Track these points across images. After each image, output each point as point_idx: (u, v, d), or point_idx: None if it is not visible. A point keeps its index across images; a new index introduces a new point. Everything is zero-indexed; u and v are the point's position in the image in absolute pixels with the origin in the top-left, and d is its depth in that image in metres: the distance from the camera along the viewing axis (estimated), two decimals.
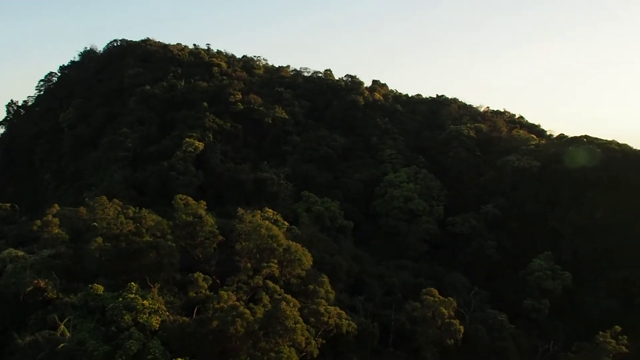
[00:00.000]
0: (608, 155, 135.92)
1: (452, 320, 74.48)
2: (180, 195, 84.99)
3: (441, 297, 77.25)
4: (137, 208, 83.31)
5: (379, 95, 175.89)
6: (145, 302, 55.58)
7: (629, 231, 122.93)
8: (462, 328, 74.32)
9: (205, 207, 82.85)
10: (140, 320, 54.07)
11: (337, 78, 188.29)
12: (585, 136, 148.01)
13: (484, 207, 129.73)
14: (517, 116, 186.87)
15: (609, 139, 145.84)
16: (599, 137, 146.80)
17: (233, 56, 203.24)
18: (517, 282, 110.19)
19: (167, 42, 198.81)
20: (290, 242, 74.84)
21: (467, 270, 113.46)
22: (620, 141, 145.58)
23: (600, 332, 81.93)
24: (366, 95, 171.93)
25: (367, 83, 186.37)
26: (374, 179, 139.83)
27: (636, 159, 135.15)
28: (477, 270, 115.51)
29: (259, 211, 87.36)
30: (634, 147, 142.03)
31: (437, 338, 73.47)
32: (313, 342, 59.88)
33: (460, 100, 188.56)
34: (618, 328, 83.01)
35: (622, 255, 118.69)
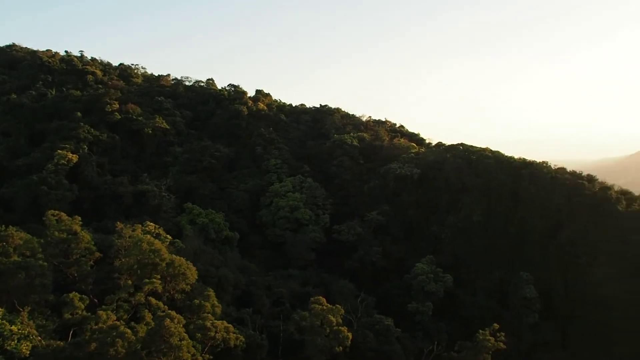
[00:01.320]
0: (482, 162, 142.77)
1: (340, 327, 74.33)
2: (53, 211, 79.05)
3: (329, 305, 77.02)
4: (4, 226, 76.97)
5: (262, 105, 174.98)
6: (13, 327, 50.89)
7: (503, 233, 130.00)
8: (350, 335, 74.36)
9: (80, 222, 77.68)
10: (8, 348, 49.47)
11: (219, 87, 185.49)
12: (462, 144, 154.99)
13: (368, 215, 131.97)
14: (397, 125, 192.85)
15: (483, 146, 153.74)
16: (473, 145, 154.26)
17: (109, 64, 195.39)
18: (402, 286, 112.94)
19: (35, 48, 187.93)
20: (174, 256, 71.83)
21: (354, 276, 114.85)
22: (493, 148, 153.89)
23: (480, 331, 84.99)
24: (250, 104, 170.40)
25: (251, 93, 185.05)
26: (259, 189, 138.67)
27: (507, 165, 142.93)
28: (363, 276, 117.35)
29: (140, 225, 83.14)
30: (505, 154, 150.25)
31: (325, 346, 73.02)
32: (200, 358, 57.74)
33: (343, 109, 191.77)
34: (496, 326, 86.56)
35: (497, 257, 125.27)
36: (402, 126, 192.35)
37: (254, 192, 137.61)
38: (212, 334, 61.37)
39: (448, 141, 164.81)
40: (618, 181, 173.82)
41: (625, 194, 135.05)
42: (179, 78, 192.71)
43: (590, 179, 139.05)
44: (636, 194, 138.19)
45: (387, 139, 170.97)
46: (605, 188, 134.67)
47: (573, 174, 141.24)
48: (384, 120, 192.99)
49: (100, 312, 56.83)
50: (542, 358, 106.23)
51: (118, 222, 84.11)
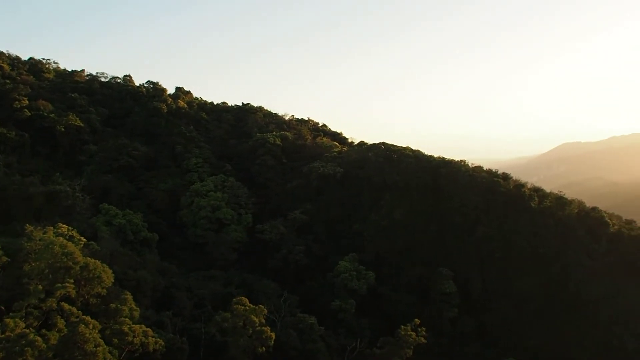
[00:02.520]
0: (403, 160, 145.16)
1: (263, 327, 73.47)
2: None
3: (252, 306, 75.94)
4: None
5: (183, 103, 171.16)
6: None
7: (424, 230, 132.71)
8: (273, 335, 73.62)
9: None
10: None
11: (138, 84, 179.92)
12: (383, 143, 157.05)
13: (291, 213, 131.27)
14: (320, 124, 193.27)
15: (404, 145, 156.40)
16: (395, 144, 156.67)
17: (18, 58, 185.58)
18: (325, 285, 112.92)
19: None
20: (89, 259, 68.46)
21: (277, 276, 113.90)
22: (414, 147, 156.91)
23: (402, 326, 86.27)
24: (170, 102, 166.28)
25: (171, 90, 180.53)
26: (179, 188, 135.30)
27: (427, 163, 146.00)
28: (287, 275, 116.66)
29: (52, 227, 79.05)
30: (425, 153, 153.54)
31: (248, 347, 71.98)
32: None
33: (265, 108, 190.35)
34: (417, 321, 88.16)
35: (418, 253, 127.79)
36: (324, 125, 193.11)
37: (174, 191, 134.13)
38: (130, 338, 59.09)
39: (370, 140, 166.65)
40: (531, 179, 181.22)
41: (537, 190, 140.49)
42: (94, 74, 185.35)
43: (505, 177, 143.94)
44: (547, 190, 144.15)
45: (310, 138, 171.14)
46: (519, 185, 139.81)
47: (489, 172, 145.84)
48: (306, 119, 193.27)
49: (8, 320, 53.42)
50: (461, 350, 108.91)
51: (27, 225, 79.41)
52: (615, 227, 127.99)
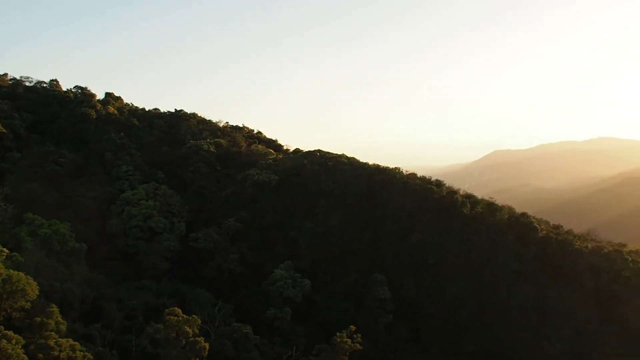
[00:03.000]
0: (339, 168, 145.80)
1: (197, 338, 71.95)
2: None
3: (185, 316, 74.29)
4: None
5: (113, 109, 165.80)
6: None
7: (359, 237, 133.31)
8: (207, 345, 72.13)
9: None
10: None
11: (65, 89, 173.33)
12: (319, 150, 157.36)
13: (226, 221, 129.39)
14: (255, 131, 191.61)
15: (339, 152, 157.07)
16: (330, 152, 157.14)
17: None
18: (260, 293, 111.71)
19: None
20: (11, 271, 65.17)
21: (211, 285, 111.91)
22: (349, 154, 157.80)
23: (337, 333, 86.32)
24: (99, 108, 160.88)
25: (100, 95, 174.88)
26: (109, 196, 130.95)
27: (362, 171, 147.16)
28: (221, 284, 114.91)
29: None
30: (360, 161, 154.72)
31: (182, 358, 70.20)
32: None
33: (199, 115, 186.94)
34: (353, 328, 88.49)
35: (353, 260, 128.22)
36: (260, 132, 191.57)
37: (103, 200, 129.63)
38: (56, 353, 56.77)
39: (307, 147, 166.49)
40: (464, 185, 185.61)
41: (469, 197, 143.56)
42: (18, 78, 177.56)
43: (439, 183, 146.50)
44: (479, 197, 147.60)
45: (245, 145, 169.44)
46: (452, 192, 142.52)
47: (423, 179, 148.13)
48: (241, 126, 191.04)
49: None
50: (396, 356, 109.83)
51: None
52: (544, 232, 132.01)
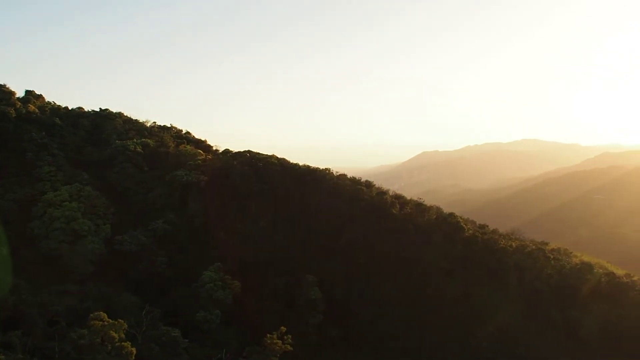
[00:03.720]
0: (269, 168, 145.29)
1: (123, 343, 69.88)
2: None
3: (110, 320, 72.01)
4: None
5: (34, 107, 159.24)
6: None
7: (290, 238, 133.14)
8: (134, 350, 70.15)
9: None
10: None
11: None
12: (248, 151, 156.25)
13: (153, 223, 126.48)
14: (184, 132, 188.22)
15: (270, 153, 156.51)
16: (260, 152, 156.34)
17: None
18: (189, 296, 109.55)
19: None
20: None
21: (138, 288, 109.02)
22: (279, 155, 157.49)
23: (268, 335, 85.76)
24: (19, 106, 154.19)
25: (20, 93, 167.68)
26: (30, 198, 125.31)
27: (293, 171, 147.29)
28: (149, 287, 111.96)
29: None
30: (291, 161, 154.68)
31: None
32: None
33: (125, 114, 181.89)
34: (283, 329, 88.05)
35: (284, 261, 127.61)
36: (188, 132, 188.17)
37: (24, 202, 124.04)
38: None
39: (237, 148, 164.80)
40: (393, 186, 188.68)
41: (398, 197, 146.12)
42: None
43: (369, 184, 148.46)
44: (408, 197, 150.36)
45: (173, 145, 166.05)
46: (382, 193, 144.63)
47: (353, 180, 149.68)
48: (169, 126, 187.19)
49: None
50: (327, 356, 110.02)
51: None
52: (470, 231, 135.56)
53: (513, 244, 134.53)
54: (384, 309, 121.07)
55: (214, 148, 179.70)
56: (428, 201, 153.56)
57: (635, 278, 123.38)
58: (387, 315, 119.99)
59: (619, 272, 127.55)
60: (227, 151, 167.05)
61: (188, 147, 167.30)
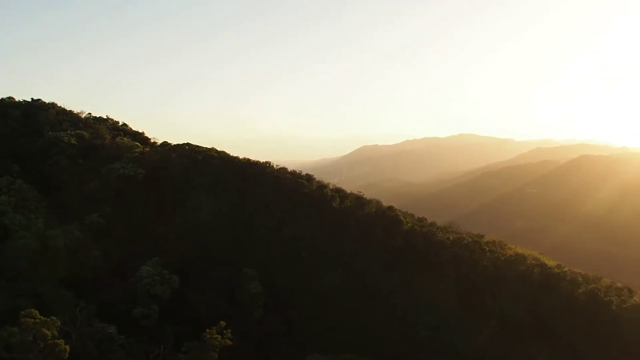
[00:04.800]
0: (209, 161, 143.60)
1: (56, 340, 67.99)
2: None
3: (43, 318, 70.00)
4: None
5: None
6: None
7: (230, 231, 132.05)
8: (67, 347, 68.45)
9: None
10: None
11: None
12: (188, 144, 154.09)
13: (88, 217, 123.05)
14: (120, 123, 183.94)
15: (209, 146, 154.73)
16: (200, 145, 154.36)
17: None
18: (126, 291, 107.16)
19: None
20: None
21: (73, 284, 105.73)
22: (220, 148, 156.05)
23: (207, 330, 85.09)
24: None
25: None
26: None
27: (233, 164, 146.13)
28: (84, 283, 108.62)
29: None
30: (231, 154, 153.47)
31: None
32: None
33: (59, 105, 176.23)
34: (223, 324, 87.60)
35: (225, 254, 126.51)
36: (125, 124, 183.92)
37: None
38: None
39: (175, 141, 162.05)
40: (333, 180, 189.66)
41: (338, 191, 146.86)
42: None
43: (309, 178, 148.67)
44: (348, 191, 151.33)
45: (109, 137, 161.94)
46: (322, 186, 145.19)
47: (293, 173, 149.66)
48: (105, 117, 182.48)
49: None
50: (268, 349, 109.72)
51: None
52: (409, 224, 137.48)
53: (450, 236, 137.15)
54: (325, 303, 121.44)
55: (152, 140, 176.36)
56: (368, 195, 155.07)
57: (565, 269, 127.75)
58: (329, 309, 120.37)
59: (551, 263, 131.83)
60: (165, 144, 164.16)
61: (125, 139, 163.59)
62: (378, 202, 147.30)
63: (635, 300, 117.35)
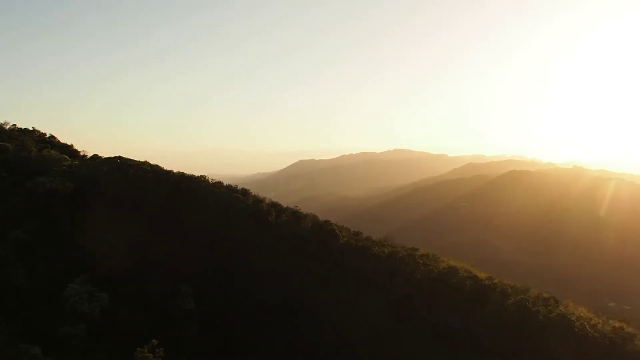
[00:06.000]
0: (141, 175, 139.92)
1: None
2: None
3: None
4: None
5: None
6: None
7: (164, 246, 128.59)
8: None
9: None
10: None
11: None
12: (119, 157, 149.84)
13: (12, 233, 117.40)
14: (48, 135, 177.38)
15: (142, 159, 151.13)
16: (132, 158, 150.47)
17: None
18: (53, 310, 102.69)
19: None
20: None
21: None
22: (153, 162, 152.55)
23: (138, 349, 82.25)
24: None
25: None
26: None
27: (166, 178, 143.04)
28: (7, 302, 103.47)
29: None
30: (164, 168, 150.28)
31: None
32: None
33: None
34: (155, 342, 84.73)
35: (158, 270, 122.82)
36: (53, 136, 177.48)
37: None
38: None
39: (106, 154, 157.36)
40: (269, 194, 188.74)
41: (275, 205, 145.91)
42: None
43: (245, 192, 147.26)
44: (284, 205, 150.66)
45: (35, 150, 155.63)
46: (258, 201, 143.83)
47: (229, 187, 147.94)
48: (31, 129, 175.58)
49: None
50: None
51: None
52: (345, 238, 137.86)
53: (385, 250, 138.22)
54: (261, 318, 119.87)
55: (82, 153, 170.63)
56: (304, 209, 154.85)
57: (496, 280, 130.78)
58: (264, 324, 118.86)
59: (482, 275, 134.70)
60: (95, 157, 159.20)
61: (52, 151, 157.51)
62: (314, 217, 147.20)
63: (560, 310, 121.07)
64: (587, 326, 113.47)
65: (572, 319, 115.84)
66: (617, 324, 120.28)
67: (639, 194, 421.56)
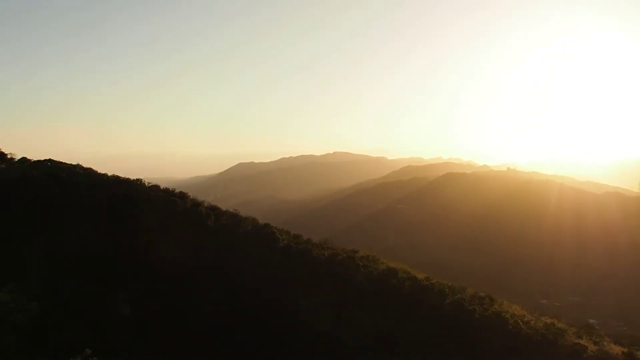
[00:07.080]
0: (74, 179, 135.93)
1: None
2: None
3: None
4: None
5: None
6: None
7: (98, 252, 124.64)
8: None
9: None
10: None
11: None
12: (50, 160, 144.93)
13: None
14: None
15: (75, 162, 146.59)
16: (64, 161, 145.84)
17: None
18: None
19: None
20: None
21: None
22: (86, 165, 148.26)
23: (70, 359, 79.38)
24: None
25: None
26: None
27: (101, 182, 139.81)
28: None
29: None
30: (99, 171, 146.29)
31: None
32: None
33: None
34: (88, 351, 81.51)
35: (93, 276, 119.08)
36: None
37: None
38: None
39: (34, 157, 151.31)
40: (208, 197, 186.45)
41: (214, 209, 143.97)
42: None
43: (182, 195, 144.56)
44: (224, 208, 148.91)
45: None
46: (196, 204, 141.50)
47: (166, 191, 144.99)
48: None
49: None
50: None
51: None
52: (285, 241, 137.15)
53: (326, 252, 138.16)
54: (200, 325, 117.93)
55: (9, 156, 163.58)
56: (244, 212, 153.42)
57: (434, 281, 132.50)
58: (204, 331, 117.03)
59: (420, 275, 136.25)
60: (24, 159, 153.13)
61: None
62: (254, 220, 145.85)
63: (495, 308, 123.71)
64: (521, 323, 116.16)
65: (507, 316, 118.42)
66: (548, 320, 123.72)
67: (570, 195, 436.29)
